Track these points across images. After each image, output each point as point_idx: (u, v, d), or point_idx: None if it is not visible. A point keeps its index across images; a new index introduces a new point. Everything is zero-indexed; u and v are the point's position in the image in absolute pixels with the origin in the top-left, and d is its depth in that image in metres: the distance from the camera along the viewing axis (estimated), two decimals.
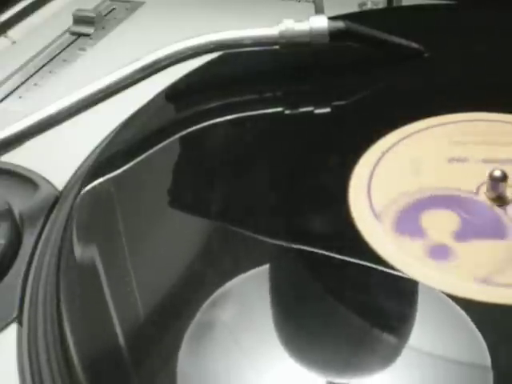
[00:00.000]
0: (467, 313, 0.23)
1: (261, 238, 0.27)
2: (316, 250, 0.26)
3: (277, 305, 0.25)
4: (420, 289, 0.24)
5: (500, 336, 0.23)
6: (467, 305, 0.23)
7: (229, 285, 0.25)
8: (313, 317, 0.24)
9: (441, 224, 0.26)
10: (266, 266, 0.26)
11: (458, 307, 0.23)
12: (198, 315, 0.24)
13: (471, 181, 0.28)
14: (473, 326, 0.23)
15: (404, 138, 0.31)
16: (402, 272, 0.25)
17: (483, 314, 0.23)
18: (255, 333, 0.24)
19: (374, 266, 0.25)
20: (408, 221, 0.26)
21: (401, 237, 0.26)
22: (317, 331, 0.23)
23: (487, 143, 0.30)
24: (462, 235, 0.26)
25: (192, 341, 0.23)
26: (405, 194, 0.28)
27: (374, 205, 0.27)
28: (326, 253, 0.26)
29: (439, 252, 0.25)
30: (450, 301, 0.24)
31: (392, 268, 0.25)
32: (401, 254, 0.25)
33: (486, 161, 0.29)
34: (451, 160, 0.29)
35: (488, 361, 0.22)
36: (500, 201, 0.27)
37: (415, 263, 0.25)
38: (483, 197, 0.27)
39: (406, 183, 0.28)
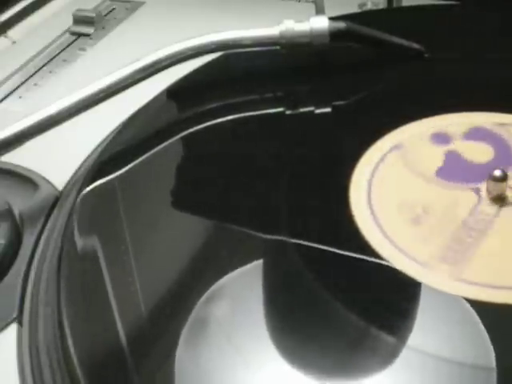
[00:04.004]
0: (471, 311, 0.23)
1: (260, 237, 0.27)
2: (314, 247, 0.26)
3: (272, 302, 0.25)
4: (419, 287, 0.24)
5: (506, 337, 0.23)
6: (471, 304, 0.23)
7: (226, 281, 0.25)
8: (308, 315, 0.24)
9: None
10: (266, 264, 0.26)
11: (462, 305, 0.23)
12: (196, 312, 0.24)
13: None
14: (479, 325, 0.23)
15: (404, 138, 0.31)
16: (401, 270, 0.25)
17: (490, 315, 0.23)
18: (249, 330, 0.24)
19: (372, 263, 0.25)
20: None
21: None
22: (312, 329, 0.23)
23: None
24: None
25: (191, 338, 0.23)
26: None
27: (373, 205, 0.27)
28: (324, 250, 0.26)
29: None
30: (454, 299, 0.24)
31: (391, 266, 0.25)
32: (400, 253, 0.25)
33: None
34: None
35: (493, 362, 0.22)
36: (500, 200, 0.27)
37: (415, 262, 0.25)
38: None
39: (406, 184, 0.28)
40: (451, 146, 0.30)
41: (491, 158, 0.29)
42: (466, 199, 0.27)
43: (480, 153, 0.29)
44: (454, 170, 0.29)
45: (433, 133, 0.30)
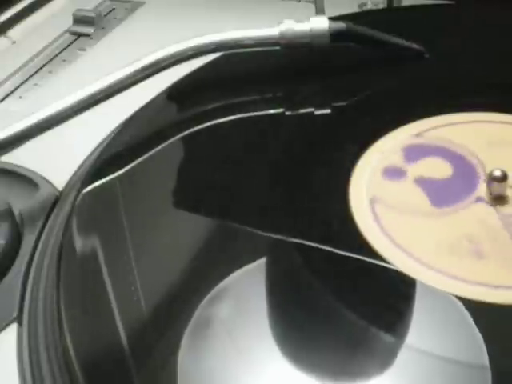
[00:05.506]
0: (465, 310, 0.23)
1: (260, 235, 0.27)
2: (314, 247, 0.26)
3: (274, 302, 0.25)
4: (418, 286, 0.24)
5: (499, 336, 0.23)
6: (466, 302, 0.23)
7: (228, 281, 0.25)
8: (310, 315, 0.24)
9: None
10: (266, 264, 0.26)
11: (457, 305, 0.23)
12: (198, 312, 0.24)
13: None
14: (472, 324, 0.23)
15: (404, 138, 0.31)
16: (400, 270, 0.25)
17: (484, 314, 0.23)
18: (252, 331, 0.24)
19: (372, 263, 0.25)
20: None
21: None
22: (314, 329, 0.23)
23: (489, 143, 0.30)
24: None
25: (192, 338, 0.23)
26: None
27: (374, 205, 0.28)
28: (325, 249, 0.26)
29: None
30: (450, 298, 0.24)
31: (390, 265, 0.25)
32: (401, 253, 0.25)
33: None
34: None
35: (486, 360, 0.22)
36: (500, 200, 0.27)
37: (415, 261, 0.25)
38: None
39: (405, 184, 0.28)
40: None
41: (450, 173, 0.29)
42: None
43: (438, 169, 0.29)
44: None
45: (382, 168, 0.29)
